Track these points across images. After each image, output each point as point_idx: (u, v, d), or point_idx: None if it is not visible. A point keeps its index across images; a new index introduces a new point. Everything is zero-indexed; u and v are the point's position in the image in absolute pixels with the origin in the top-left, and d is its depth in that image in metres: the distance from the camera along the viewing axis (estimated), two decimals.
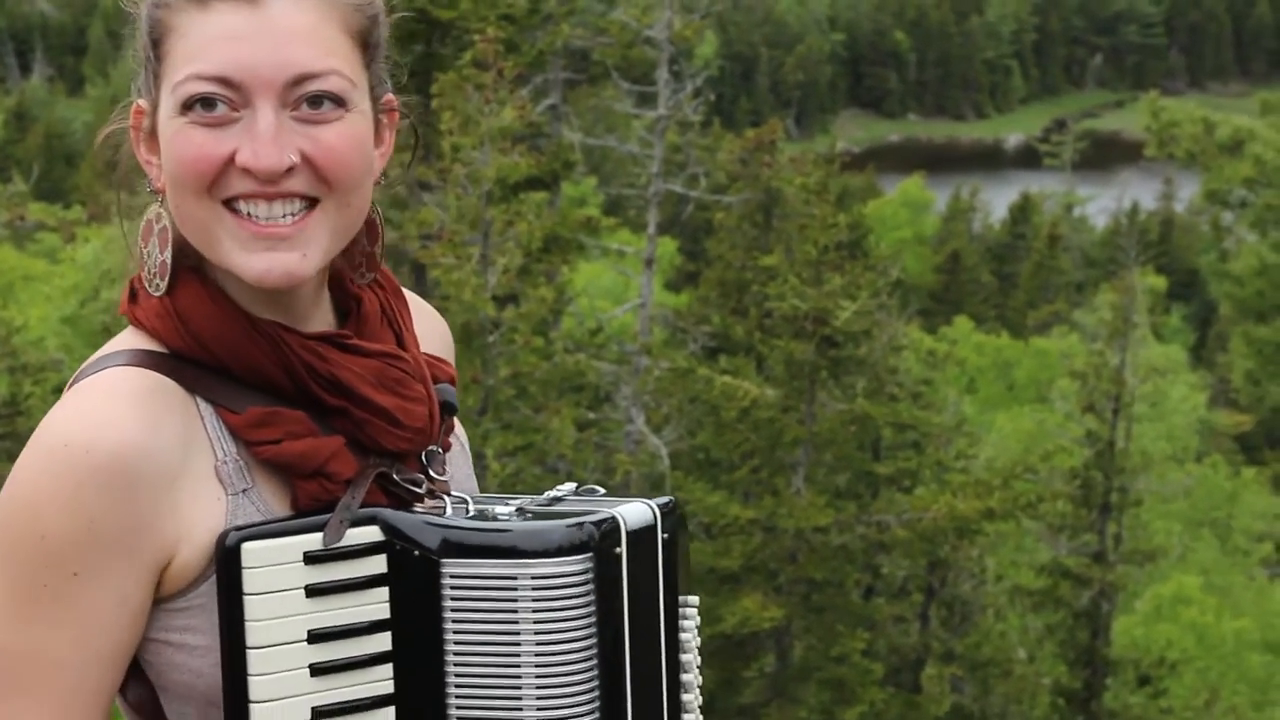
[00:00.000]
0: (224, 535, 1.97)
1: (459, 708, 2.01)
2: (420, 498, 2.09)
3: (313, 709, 1.99)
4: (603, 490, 2.16)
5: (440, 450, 2.15)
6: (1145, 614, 31.63)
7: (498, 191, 20.07)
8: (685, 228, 44.40)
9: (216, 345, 2.03)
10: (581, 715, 2.01)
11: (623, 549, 2.04)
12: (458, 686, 2.01)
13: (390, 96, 2.13)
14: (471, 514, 2.06)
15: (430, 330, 2.30)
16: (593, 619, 2.01)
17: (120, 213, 2.14)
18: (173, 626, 2.01)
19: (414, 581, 2.01)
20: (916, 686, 25.66)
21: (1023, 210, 68.07)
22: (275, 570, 1.98)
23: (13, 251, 41.85)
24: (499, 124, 19.97)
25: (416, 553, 2.01)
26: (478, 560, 2.00)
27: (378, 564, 2.02)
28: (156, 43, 2.02)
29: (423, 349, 2.21)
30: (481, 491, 2.24)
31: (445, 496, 2.09)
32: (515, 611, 1.99)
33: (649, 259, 26.54)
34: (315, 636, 1.99)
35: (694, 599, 2.19)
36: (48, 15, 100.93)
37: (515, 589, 1.98)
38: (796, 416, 23.12)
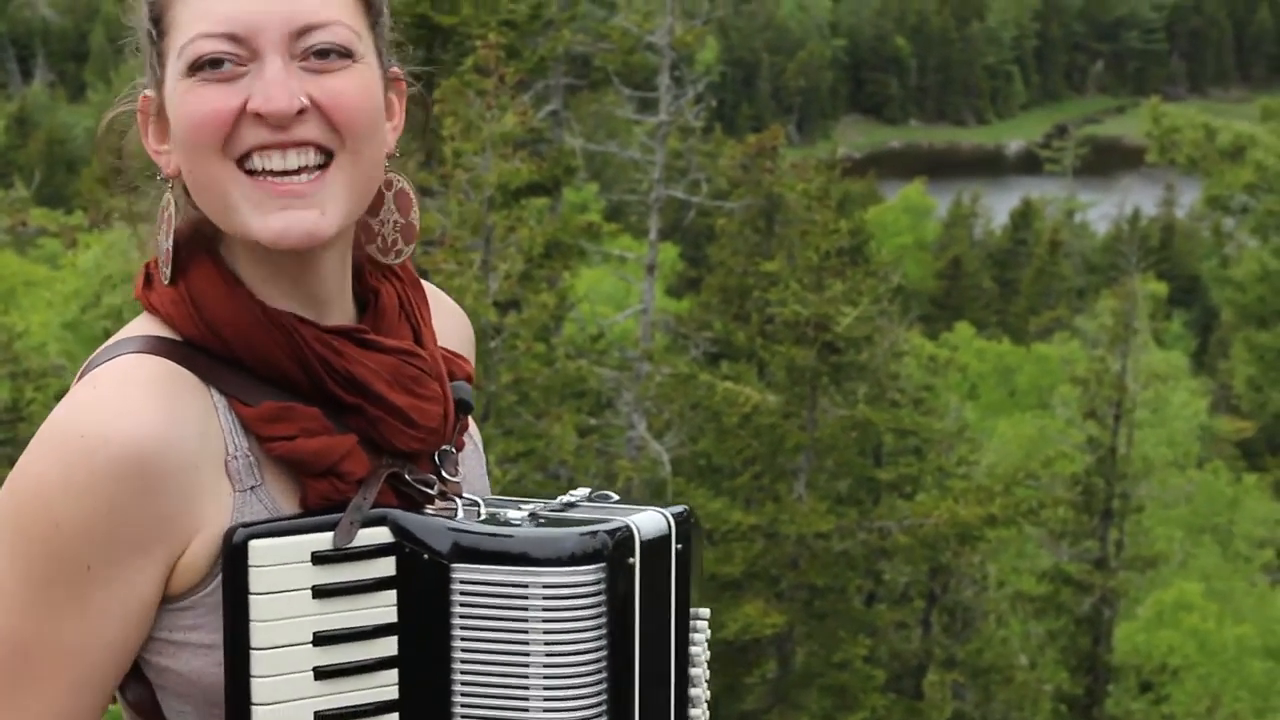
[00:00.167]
0: (231, 532, 1.94)
1: (464, 715, 1.98)
2: (432, 499, 2.06)
3: (315, 713, 1.96)
4: (616, 497, 2.12)
5: (454, 450, 2.12)
6: (1147, 620, 31.61)
7: (499, 197, 20.07)
8: (687, 233, 44.41)
9: (230, 334, 2.00)
10: None
11: (636, 559, 2.00)
12: (464, 693, 1.98)
13: (396, 69, 2.12)
14: (483, 517, 2.02)
15: (451, 325, 2.27)
16: (603, 630, 1.97)
17: (131, 216, 2.12)
18: (177, 625, 1.98)
19: (423, 585, 1.98)
20: (918, 693, 25.65)
21: (1024, 216, 68.10)
22: (283, 570, 1.94)
23: (14, 257, 41.87)
24: (500, 130, 19.97)
25: (426, 556, 1.98)
26: (489, 566, 1.96)
27: (386, 566, 1.98)
28: (158, 20, 2.02)
29: (442, 344, 2.19)
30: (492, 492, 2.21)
31: (457, 498, 2.05)
32: (525, 620, 1.95)
33: (650, 265, 26.54)
34: (321, 639, 1.96)
35: (705, 611, 2.15)
36: (49, 21, 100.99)
37: (526, 597, 1.95)
38: (798, 422, 23.12)
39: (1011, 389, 48.18)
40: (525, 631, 1.95)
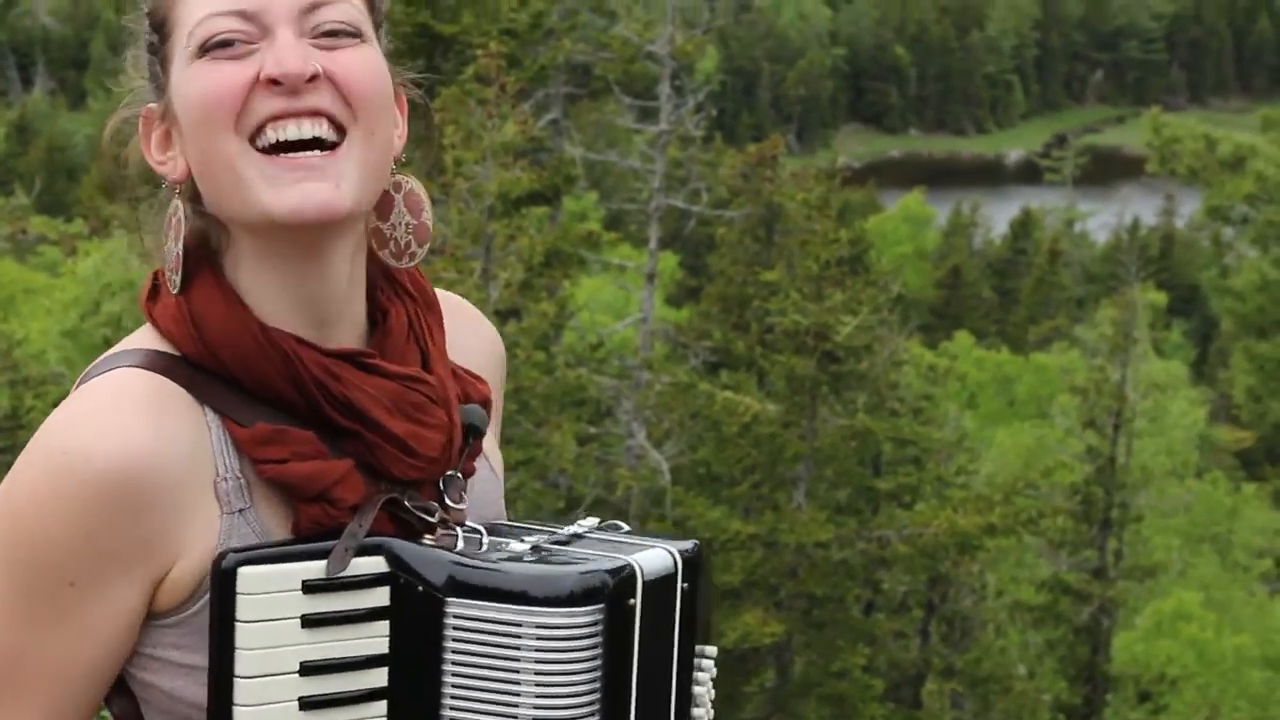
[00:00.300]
0: (220, 557, 1.90)
1: None
2: (432, 527, 2.00)
3: None
4: (625, 528, 2.06)
5: (460, 476, 2.06)
6: (1145, 630, 31.60)
7: (500, 206, 20.09)
8: (687, 243, 44.42)
9: (227, 354, 1.96)
10: None
11: (637, 600, 1.94)
12: None
13: (395, 70, 2.10)
14: (484, 548, 1.96)
15: (473, 342, 2.22)
16: (598, 671, 1.92)
17: (132, 224, 2.10)
18: (162, 643, 1.97)
19: (416, 618, 1.92)
20: (917, 702, 25.65)
21: (1023, 225, 68.14)
22: (272, 598, 1.89)
23: (14, 265, 41.87)
24: (501, 139, 19.99)
25: (421, 588, 1.92)
26: (483, 602, 1.90)
27: (380, 596, 1.93)
28: (160, 25, 2.02)
29: (468, 360, 2.15)
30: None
31: (459, 527, 2.00)
32: (517, 660, 1.90)
33: (650, 274, 26.55)
34: (308, 669, 1.91)
35: (711, 650, 2.09)
36: (50, 29, 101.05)
37: (519, 636, 1.89)
38: (797, 432, 23.12)
39: (1011, 398, 48.19)
40: (517, 671, 1.90)
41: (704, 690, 2.09)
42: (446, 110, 19.88)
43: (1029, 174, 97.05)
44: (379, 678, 1.93)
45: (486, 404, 2.13)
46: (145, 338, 2.02)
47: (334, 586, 1.91)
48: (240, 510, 1.95)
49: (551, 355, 21.69)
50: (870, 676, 23.49)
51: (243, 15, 1.96)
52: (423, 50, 21.90)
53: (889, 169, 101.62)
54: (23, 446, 1.99)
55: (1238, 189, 46.01)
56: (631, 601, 1.93)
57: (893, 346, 25.16)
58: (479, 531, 1.99)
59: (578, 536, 2.03)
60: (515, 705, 1.90)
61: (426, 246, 2.09)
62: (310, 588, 1.90)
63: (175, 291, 2.00)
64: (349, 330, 2.04)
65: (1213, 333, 58.52)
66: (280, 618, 1.90)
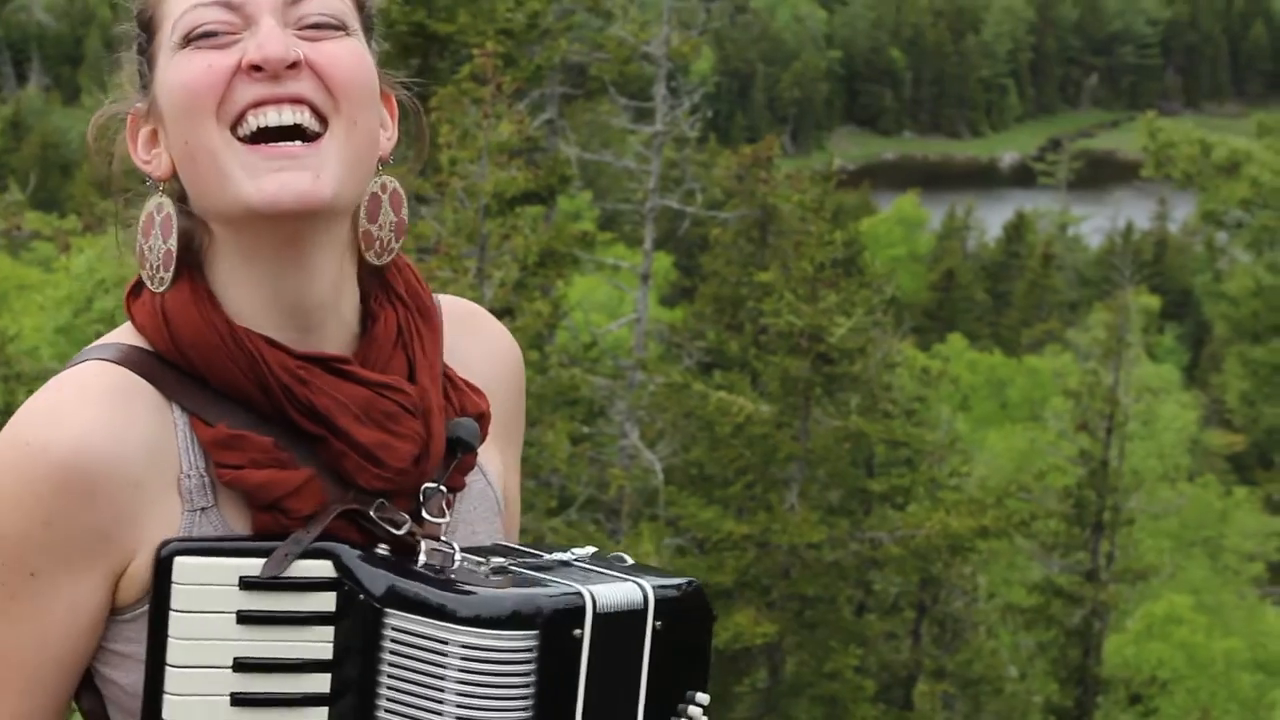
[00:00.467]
0: (161, 545, 1.90)
1: None
2: (395, 539, 1.96)
3: None
4: (629, 560, 2.00)
5: (442, 489, 2.01)
6: (1137, 633, 31.66)
7: (494, 205, 20.09)
8: (681, 243, 44.40)
9: (193, 353, 1.96)
10: None
11: (584, 631, 1.87)
12: None
13: (387, 86, 2.09)
14: (455, 564, 1.92)
15: (484, 351, 2.19)
16: (529, 702, 1.86)
17: (123, 221, 2.08)
18: (119, 637, 1.96)
19: (359, 626, 1.89)
20: (908, 703, 25.66)
21: (1017, 229, 68.19)
22: (206, 590, 1.89)
23: (7, 260, 41.85)
24: (496, 138, 19.98)
25: (362, 596, 1.89)
26: (416, 616, 1.86)
27: (325, 601, 1.91)
28: (146, 24, 2.02)
29: (471, 371, 2.12)
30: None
31: (426, 540, 1.95)
32: (442, 679, 1.85)
33: (645, 274, 26.56)
34: (242, 665, 1.89)
35: (703, 696, 2.00)
36: (44, 25, 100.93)
37: (445, 654, 1.85)
38: (790, 433, 23.13)
39: (1003, 401, 48.24)
40: (442, 690, 1.86)
41: None
42: (442, 109, 19.89)
43: (1023, 177, 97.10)
44: (320, 683, 1.91)
45: (483, 418, 2.08)
46: (125, 334, 2.02)
47: (276, 586, 1.90)
48: (203, 509, 1.95)
49: (545, 354, 21.70)
50: (862, 677, 23.50)
51: (227, 6, 1.96)
52: (418, 49, 21.91)
53: (883, 171, 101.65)
54: None
55: (1232, 194, 46.03)
56: (578, 632, 1.87)
57: (886, 348, 25.17)
58: (451, 547, 1.95)
59: (562, 564, 1.97)
60: None
61: (401, 241, 2.06)
62: (248, 584, 1.89)
63: (163, 288, 1.99)
64: (335, 335, 2.02)
65: (1205, 337, 58.60)
66: (214, 610, 1.89)
